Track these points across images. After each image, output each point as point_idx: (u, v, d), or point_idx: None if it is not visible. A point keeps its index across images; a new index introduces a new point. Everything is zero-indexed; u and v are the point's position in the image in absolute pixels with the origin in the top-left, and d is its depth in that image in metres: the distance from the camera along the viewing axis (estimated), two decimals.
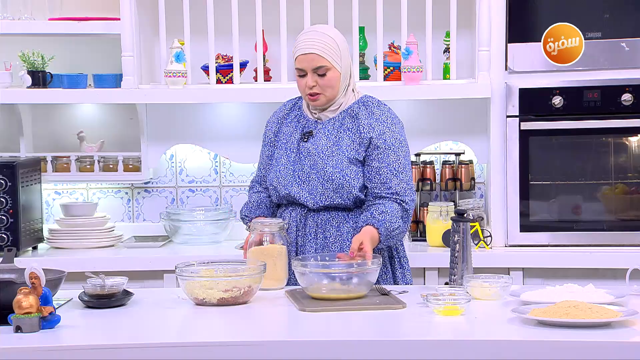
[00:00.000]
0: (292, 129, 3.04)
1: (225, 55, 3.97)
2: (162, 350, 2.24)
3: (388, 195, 2.92)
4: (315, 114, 3.03)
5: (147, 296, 2.75)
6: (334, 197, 2.95)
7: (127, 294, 2.68)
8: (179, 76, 3.80)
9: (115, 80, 3.87)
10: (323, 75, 2.92)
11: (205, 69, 3.93)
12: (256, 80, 3.93)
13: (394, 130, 2.97)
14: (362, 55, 3.98)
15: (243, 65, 3.97)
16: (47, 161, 3.96)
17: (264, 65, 3.95)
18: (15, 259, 2.83)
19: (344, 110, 3.00)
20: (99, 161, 4.00)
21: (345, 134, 2.97)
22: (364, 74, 3.98)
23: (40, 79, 3.86)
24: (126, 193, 4.16)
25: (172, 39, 3.82)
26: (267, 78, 3.99)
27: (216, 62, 3.90)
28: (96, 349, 2.22)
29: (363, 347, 2.27)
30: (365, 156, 2.95)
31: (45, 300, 2.33)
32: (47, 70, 3.88)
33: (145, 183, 4.13)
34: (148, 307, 2.65)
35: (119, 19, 3.79)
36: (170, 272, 3.60)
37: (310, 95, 2.95)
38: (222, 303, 2.62)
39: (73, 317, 2.48)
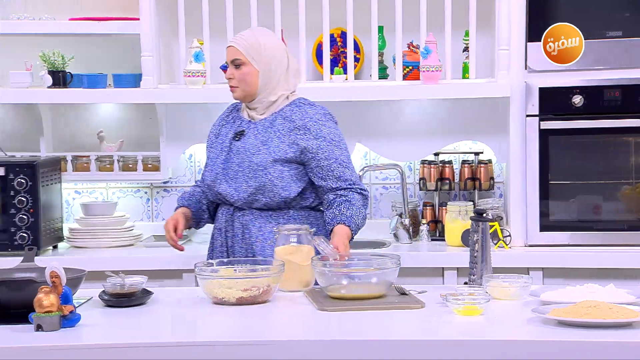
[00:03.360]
0: (228, 130, 3.13)
1: None
2: (182, 349, 2.24)
3: (348, 187, 3.02)
4: (248, 113, 3.11)
5: (166, 295, 2.76)
6: (258, 195, 3.01)
7: (146, 293, 2.68)
8: (198, 76, 3.81)
9: (134, 80, 3.89)
10: (238, 67, 3.04)
11: (224, 68, 3.93)
12: None
13: (330, 126, 3.05)
14: (380, 55, 3.98)
15: None
16: (67, 161, 3.98)
17: None
18: (35, 258, 2.84)
19: (276, 112, 3.06)
20: (118, 161, 4.01)
21: (275, 134, 3.02)
22: (383, 74, 3.98)
23: (60, 79, 3.88)
24: (145, 192, 4.18)
25: (191, 38, 3.83)
26: None
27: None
28: (116, 348, 2.23)
29: (382, 347, 2.26)
30: (308, 157, 3.00)
31: (65, 299, 2.34)
32: (67, 70, 3.90)
33: (164, 182, 4.14)
34: (167, 306, 2.65)
35: (138, 19, 3.80)
36: (189, 271, 3.61)
37: (230, 87, 3.08)
38: (241, 302, 2.62)
39: (93, 316, 2.48)
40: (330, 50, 3.94)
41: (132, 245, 3.93)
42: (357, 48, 4.03)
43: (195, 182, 3.30)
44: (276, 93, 3.07)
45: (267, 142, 3.03)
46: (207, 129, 4.04)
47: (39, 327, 2.29)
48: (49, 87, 3.87)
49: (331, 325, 2.44)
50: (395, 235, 3.93)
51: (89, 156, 4.00)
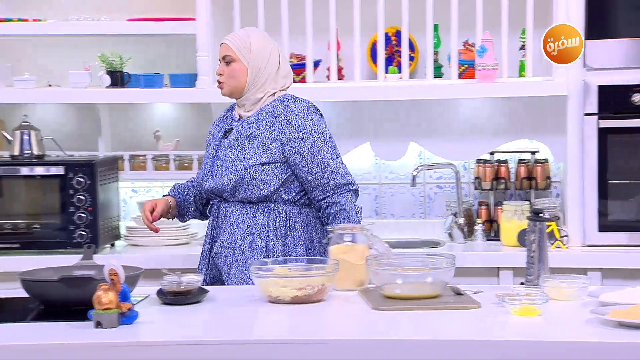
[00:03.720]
0: (219, 129, 3.19)
1: (299, 55, 3.99)
2: (238, 347, 2.25)
3: (337, 188, 3.05)
4: (237, 111, 3.14)
5: (221, 293, 2.77)
6: (238, 190, 3.04)
7: (202, 291, 2.70)
8: None
9: (190, 80, 3.92)
10: (229, 64, 3.09)
11: None
12: (329, 79, 3.94)
13: (312, 118, 3.07)
14: (435, 53, 3.96)
15: (316, 64, 3.98)
16: (124, 160, 4.03)
17: (337, 64, 3.95)
18: (93, 255, 2.88)
19: (261, 108, 3.10)
20: (174, 160, 4.05)
21: (258, 130, 3.06)
22: (438, 72, 3.96)
23: (118, 79, 3.93)
24: None
25: None
26: (340, 77, 4.00)
27: (290, 61, 3.91)
28: (174, 346, 2.24)
29: (437, 346, 2.25)
30: (290, 153, 3.03)
31: (124, 296, 2.37)
32: (125, 71, 3.95)
33: None
34: (223, 305, 2.67)
35: (194, 19, 3.84)
36: None
37: (218, 83, 3.14)
38: (295, 301, 2.62)
39: (150, 314, 2.51)
40: (385, 49, 3.93)
41: (187, 243, 3.96)
42: (411, 47, 4.01)
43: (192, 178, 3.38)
44: (263, 90, 3.11)
45: (250, 137, 3.06)
46: None
47: (98, 324, 2.32)
48: (107, 87, 3.93)
49: (385, 325, 2.43)
50: (450, 235, 3.90)
51: (145, 155, 4.05)
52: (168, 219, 3.29)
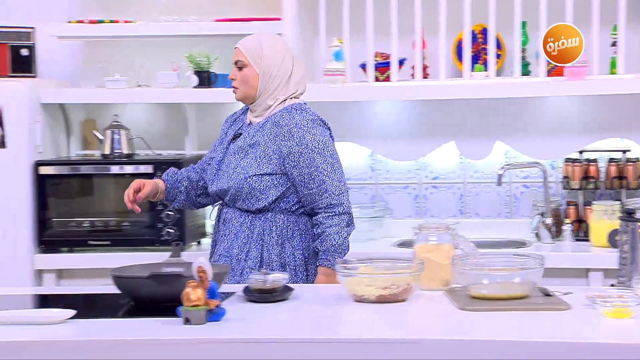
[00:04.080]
0: (230, 132, 3.16)
1: (384, 53, 3.97)
2: (323, 346, 2.26)
3: (326, 209, 3.00)
4: (249, 116, 3.12)
5: (306, 292, 2.78)
6: (235, 195, 3.03)
7: (287, 289, 2.72)
8: (338, 74, 3.84)
9: None
10: (240, 69, 3.08)
11: (364, 67, 3.95)
12: (413, 78, 3.92)
13: (316, 132, 3.01)
14: (523, 51, 3.90)
15: (401, 63, 3.96)
16: None
17: (422, 62, 3.93)
18: (181, 253, 2.93)
19: (268, 116, 3.07)
20: None
21: (262, 139, 3.03)
22: (525, 70, 3.90)
23: (205, 79, 3.98)
24: None
25: (332, 37, 3.86)
26: (425, 75, 3.97)
27: (374, 60, 3.91)
28: (261, 343, 2.26)
29: (526, 348, 2.21)
30: (289, 165, 3.00)
31: (211, 293, 2.39)
32: (211, 71, 4.00)
33: None
34: (308, 303, 2.67)
35: (280, 19, 3.86)
36: None
37: (232, 87, 3.12)
38: (380, 300, 2.61)
39: (237, 311, 2.53)
40: (471, 47, 3.89)
41: None
42: (498, 44, 3.96)
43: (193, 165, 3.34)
44: (274, 97, 3.07)
45: (254, 145, 3.04)
46: (344, 127, 4.10)
47: (186, 321, 2.35)
48: (194, 87, 3.98)
49: (472, 325, 2.40)
50: (537, 235, 3.84)
51: None
52: (154, 201, 3.28)
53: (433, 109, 4.03)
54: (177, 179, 3.23)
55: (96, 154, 4.08)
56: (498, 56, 3.96)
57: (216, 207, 3.18)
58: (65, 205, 3.86)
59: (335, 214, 3.02)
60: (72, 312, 2.43)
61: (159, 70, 4.01)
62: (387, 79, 3.92)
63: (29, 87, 3.88)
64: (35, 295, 3.07)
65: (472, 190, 4.16)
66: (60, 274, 3.87)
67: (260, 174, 3.01)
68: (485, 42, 3.94)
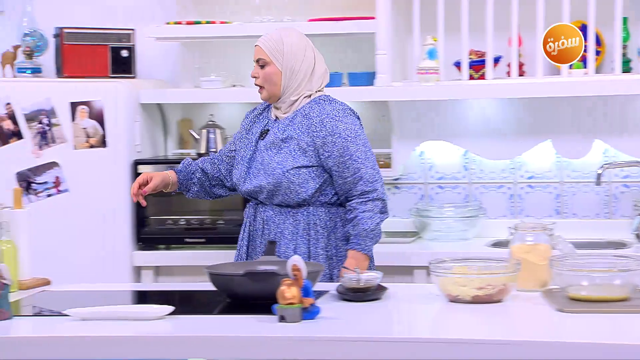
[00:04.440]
0: (256, 129, 3.14)
1: (478, 51, 3.93)
2: (418, 346, 2.25)
3: (360, 196, 3.01)
4: (274, 112, 3.11)
5: (399, 291, 2.77)
6: (276, 193, 3.02)
7: (381, 288, 2.71)
8: (432, 73, 3.81)
9: (368, 78, 3.94)
10: (263, 67, 3.06)
11: (458, 65, 3.92)
12: (509, 76, 3.86)
13: (347, 122, 3.03)
14: (624, 47, 3.80)
15: (496, 61, 3.91)
16: None
17: (518, 60, 3.87)
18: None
19: (297, 110, 3.06)
20: None
21: (294, 132, 3.03)
22: (626, 67, 3.80)
23: None
24: None
25: (425, 36, 3.83)
26: (521, 73, 3.91)
27: (469, 58, 3.87)
28: (356, 342, 2.26)
29: (629, 350, 2.15)
30: (323, 155, 3.00)
31: (306, 291, 2.40)
32: None
33: (395, 179, 4.17)
34: (401, 302, 2.67)
35: (374, 18, 3.86)
36: (420, 267, 3.62)
37: (257, 86, 3.10)
38: (475, 300, 2.59)
39: (331, 309, 2.54)
40: None
41: None
42: (597, 41, 3.86)
43: (212, 154, 3.32)
44: (298, 93, 3.06)
45: (287, 140, 3.03)
46: (437, 126, 4.07)
47: (281, 318, 2.37)
48: None
49: (571, 327, 2.36)
50: (638, 236, 3.74)
51: None
52: (167, 191, 3.25)
53: (529, 107, 3.96)
54: (190, 170, 3.25)
55: (192, 152, 4.15)
56: (597, 53, 3.86)
57: (248, 206, 3.16)
58: (162, 203, 3.94)
59: (369, 200, 3.02)
60: (171, 308, 2.48)
61: (251, 71, 4.04)
62: (482, 77, 3.87)
63: (128, 88, 3.98)
64: (134, 292, 3.15)
65: (569, 189, 4.07)
66: (158, 270, 3.96)
67: (297, 167, 3.02)
68: (584, 38, 3.85)
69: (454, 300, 2.61)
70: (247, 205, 3.18)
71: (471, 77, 3.88)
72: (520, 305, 2.58)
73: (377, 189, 3.03)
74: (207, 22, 4.05)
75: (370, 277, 2.69)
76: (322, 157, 3.02)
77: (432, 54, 3.80)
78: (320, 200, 3.06)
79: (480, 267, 2.68)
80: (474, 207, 4.03)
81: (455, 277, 2.61)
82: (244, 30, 4.00)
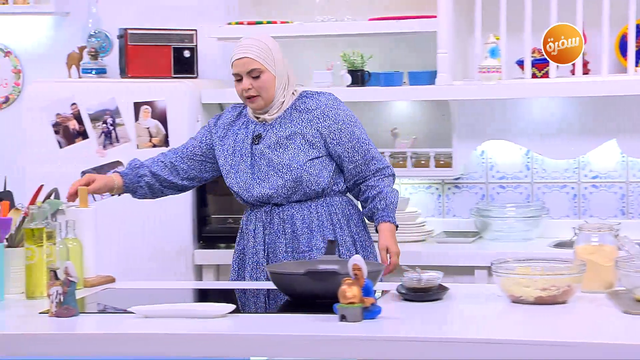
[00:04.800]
0: (242, 136, 3.15)
1: (541, 50, 3.88)
2: (480, 346, 2.23)
3: (375, 173, 3.13)
4: (258, 117, 3.12)
5: (460, 291, 2.75)
6: (297, 189, 3.06)
7: (442, 288, 2.70)
8: (494, 71, 3.78)
9: (429, 78, 3.92)
10: (257, 77, 3.07)
11: (520, 63, 3.87)
12: (573, 74, 3.80)
13: (344, 109, 3.14)
14: None
15: None
16: None
17: (583, 57, 3.81)
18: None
19: (287, 108, 3.11)
20: (411, 157, 4.07)
21: (297, 127, 3.08)
22: None
23: (359, 77, 4.00)
24: (437, 189, 4.20)
25: (487, 34, 3.80)
26: (586, 71, 3.85)
27: (532, 56, 3.82)
28: (417, 342, 2.25)
29: None
30: (330, 143, 3.07)
31: (367, 291, 2.40)
32: (365, 69, 4.02)
33: (456, 179, 4.15)
34: (463, 303, 2.65)
35: (435, 17, 3.83)
36: (481, 268, 3.59)
37: (248, 97, 3.08)
38: (539, 302, 2.56)
39: (391, 309, 2.53)
40: (635, 41, 3.74)
41: (423, 240, 3.97)
42: None
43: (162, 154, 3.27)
44: (286, 94, 3.12)
45: (291, 136, 3.07)
46: (499, 125, 4.03)
47: (342, 318, 2.37)
48: (348, 86, 4.01)
49: (637, 329, 2.31)
50: None
51: (383, 153, 4.09)
52: (113, 195, 3.22)
53: (594, 106, 3.90)
54: (138, 174, 3.21)
55: None
56: None
57: (255, 211, 3.14)
58: (222, 202, 3.97)
59: (386, 176, 3.16)
60: (232, 306, 2.50)
61: (313, 69, 4.06)
62: (545, 75, 3.82)
63: (190, 88, 4.02)
64: (195, 290, 3.18)
65: (635, 189, 4.00)
66: (219, 269, 3.99)
67: (311, 159, 3.07)
68: None
69: (517, 301, 2.58)
70: (253, 212, 3.15)
71: (534, 76, 3.83)
72: (584, 307, 2.54)
73: (388, 165, 3.18)
74: (268, 22, 4.07)
75: (432, 277, 2.68)
76: (330, 145, 3.10)
77: (494, 53, 3.76)
78: (334, 190, 3.14)
79: (544, 268, 2.65)
80: (537, 207, 3.98)
81: (518, 278, 2.59)
82: (304, 30, 4.02)
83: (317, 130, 3.09)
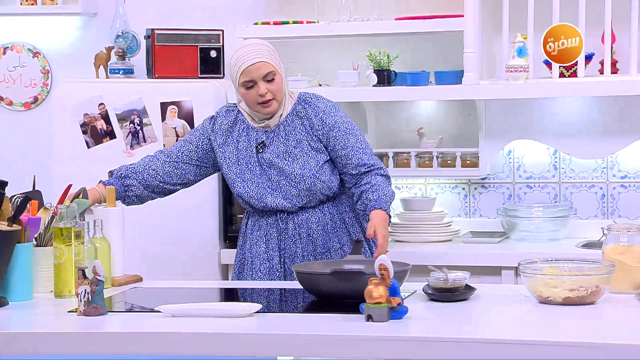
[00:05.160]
0: (245, 144, 3.12)
1: None
2: (508, 347, 2.22)
3: (367, 171, 3.07)
4: (259, 123, 3.11)
5: (487, 292, 2.74)
6: (310, 196, 3.07)
7: (469, 288, 2.69)
8: (521, 71, 3.75)
9: (456, 77, 3.90)
10: (271, 80, 3.04)
11: (548, 63, 3.84)
12: (602, 73, 3.77)
13: (341, 115, 3.13)
14: None
15: (588, 58, 3.82)
16: (388, 157, 4.08)
17: (611, 57, 3.78)
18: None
19: (288, 114, 3.09)
20: (437, 157, 4.05)
21: (300, 135, 3.08)
22: None
23: (385, 77, 3.98)
24: (463, 188, 4.19)
25: (515, 33, 3.78)
26: (614, 70, 3.82)
27: None
28: (444, 342, 2.25)
29: None
30: (328, 149, 3.10)
31: (393, 291, 2.40)
32: (391, 69, 4.01)
33: (482, 179, 4.13)
34: (490, 303, 2.64)
35: (462, 16, 3.82)
36: (507, 268, 3.57)
37: (264, 103, 3.04)
38: (567, 302, 2.54)
39: (418, 309, 2.53)
40: None
41: (450, 240, 3.96)
42: None
43: (157, 153, 3.23)
44: (286, 93, 3.12)
45: (297, 144, 3.08)
46: (526, 125, 4.00)
47: (369, 317, 2.37)
48: (374, 86, 4.00)
49: None
50: None
51: (409, 152, 4.09)
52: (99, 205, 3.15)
53: (622, 105, 3.86)
54: (124, 184, 3.17)
55: None
56: None
57: (266, 218, 3.14)
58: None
59: (379, 175, 3.10)
60: (258, 306, 2.50)
61: (339, 69, 4.06)
62: (573, 74, 3.79)
63: (217, 88, 4.03)
64: (221, 289, 3.19)
65: None
66: None
67: (320, 164, 3.08)
68: None
69: (544, 301, 2.57)
70: (264, 217, 3.14)
71: (561, 75, 3.81)
72: (613, 308, 2.52)
73: (382, 166, 3.13)
74: (295, 22, 4.07)
75: (458, 277, 2.67)
76: (331, 151, 3.11)
77: (521, 52, 3.74)
78: (342, 190, 3.16)
79: (572, 268, 2.64)
80: (564, 207, 3.95)
81: (546, 278, 2.57)
82: (330, 30, 4.01)
83: (318, 137, 3.10)
